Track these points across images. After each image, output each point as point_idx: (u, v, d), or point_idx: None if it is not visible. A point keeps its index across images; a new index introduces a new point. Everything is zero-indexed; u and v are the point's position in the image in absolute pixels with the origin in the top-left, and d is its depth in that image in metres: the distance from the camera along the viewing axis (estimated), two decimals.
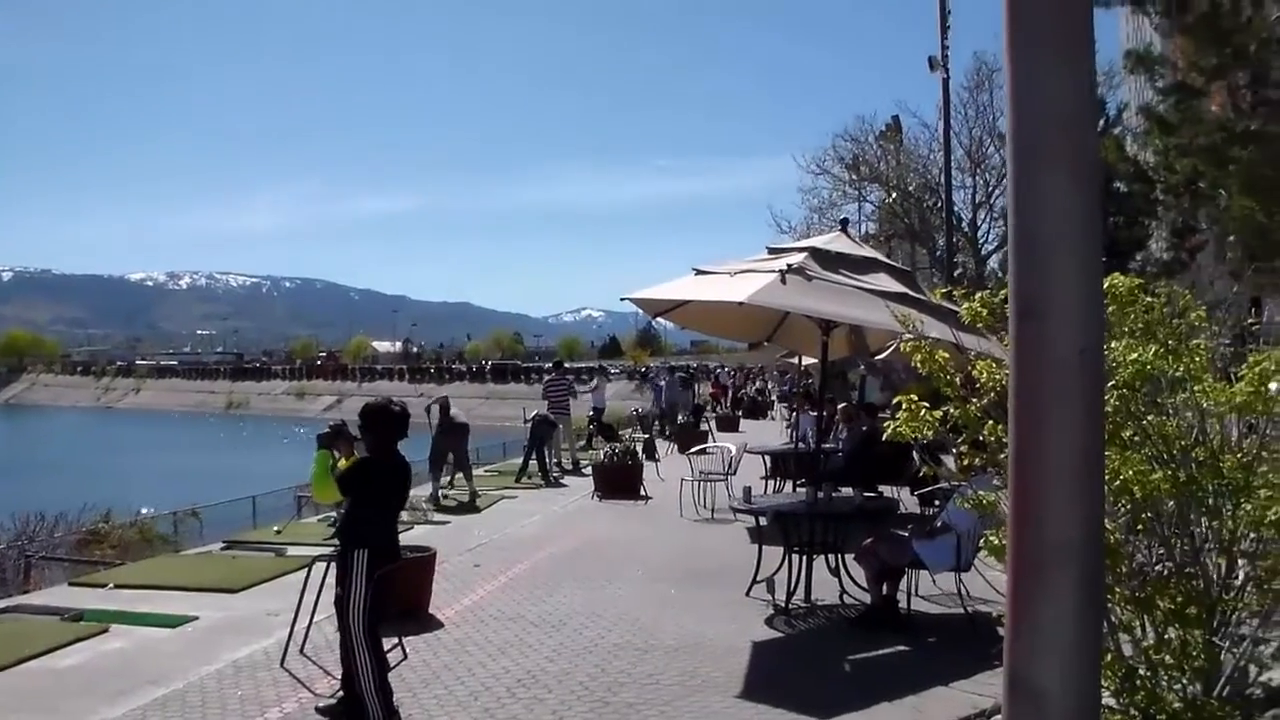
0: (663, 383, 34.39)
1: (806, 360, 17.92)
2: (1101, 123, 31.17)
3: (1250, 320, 6.73)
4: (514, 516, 15.98)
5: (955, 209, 35.32)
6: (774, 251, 10.67)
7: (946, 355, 5.73)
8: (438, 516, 15.69)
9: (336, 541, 7.25)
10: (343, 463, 7.09)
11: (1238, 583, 4.92)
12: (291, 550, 12.46)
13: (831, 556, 9.90)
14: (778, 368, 46.40)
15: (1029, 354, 2.69)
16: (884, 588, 9.13)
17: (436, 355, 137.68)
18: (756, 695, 7.16)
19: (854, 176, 41.58)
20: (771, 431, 29.78)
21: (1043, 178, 2.65)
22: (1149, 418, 5.01)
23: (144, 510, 18.32)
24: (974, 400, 5.35)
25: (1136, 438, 4.97)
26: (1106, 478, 4.40)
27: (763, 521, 10.30)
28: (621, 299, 10.93)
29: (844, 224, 12.89)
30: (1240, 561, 4.93)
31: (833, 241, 10.78)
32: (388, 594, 6.92)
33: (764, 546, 10.03)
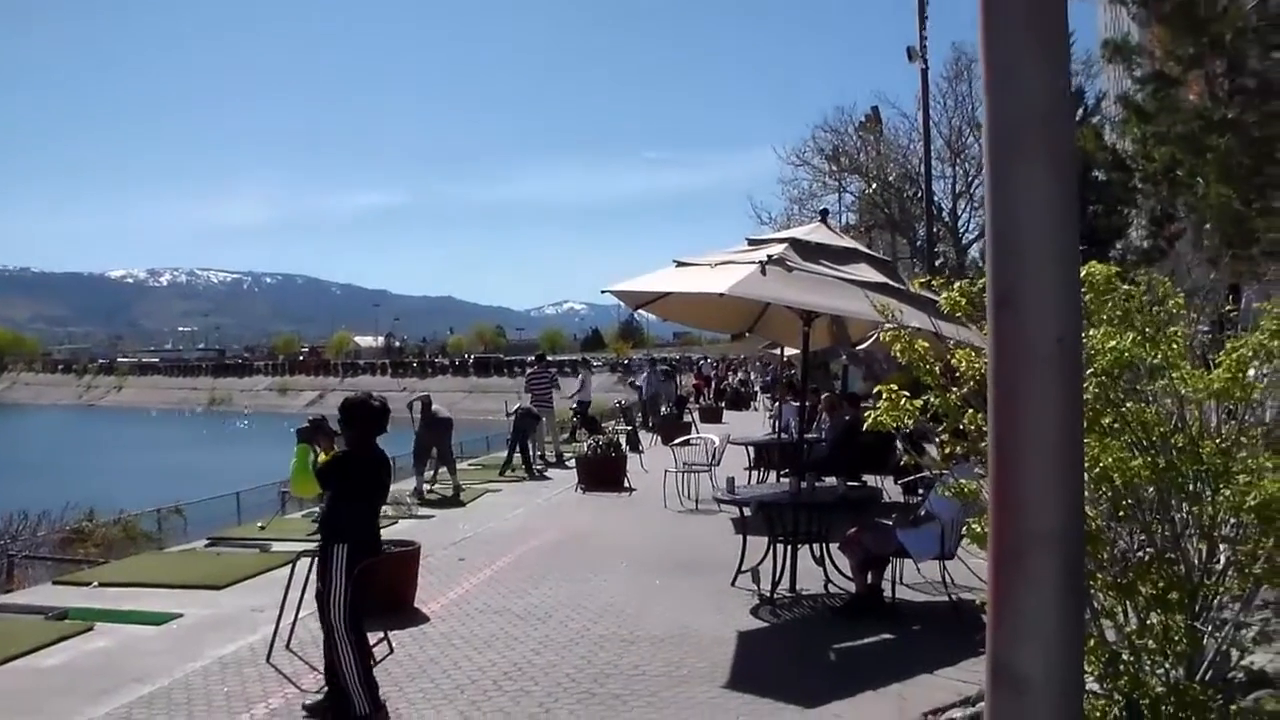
0: (641, 383, 34.25)
1: (789, 351, 17.94)
2: (1080, 112, 31.28)
3: (1228, 307, 6.77)
4: (498, 510, 15.99)
5: (935, 199, 35.38)
6: (754, 243, 10.69)
7: (926, 344, 5.75)
8: (422, 511, 15.70)
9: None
10: (322, 457, 7.08)
11: (1219, 568, 4.95)
12: (276, 546, 12.44)
13: (816, 546, 9.93)
14: (760, 359, 46.48)
15: (1007, 343, 2.70)
16: (868, 576, 9.17)
17: (419, 350, 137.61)
18: (742, 685, 7.19)
19: (834, 167, 41.57)
20: (755, 422, 29.79)
21: (1019, 169, 2.66)
22: (1128, 405, 5.04)
23: (124, 511, 18.23)
24: (954, 389, 5.37)
25: (1116, 425, 4.99)
26: (1087, 465, 4.43)
27: (747, 512, 10.32)
28: (602, 291, 10.96)
29: (824, 215, 12.89)
30: (1221, 546, 4.96)
31: (812, 232, 10.82)
32: (369, 588, 6.94)
33: (748, 537, 10.06)
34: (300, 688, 7.19)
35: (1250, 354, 5.04)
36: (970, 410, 5.22)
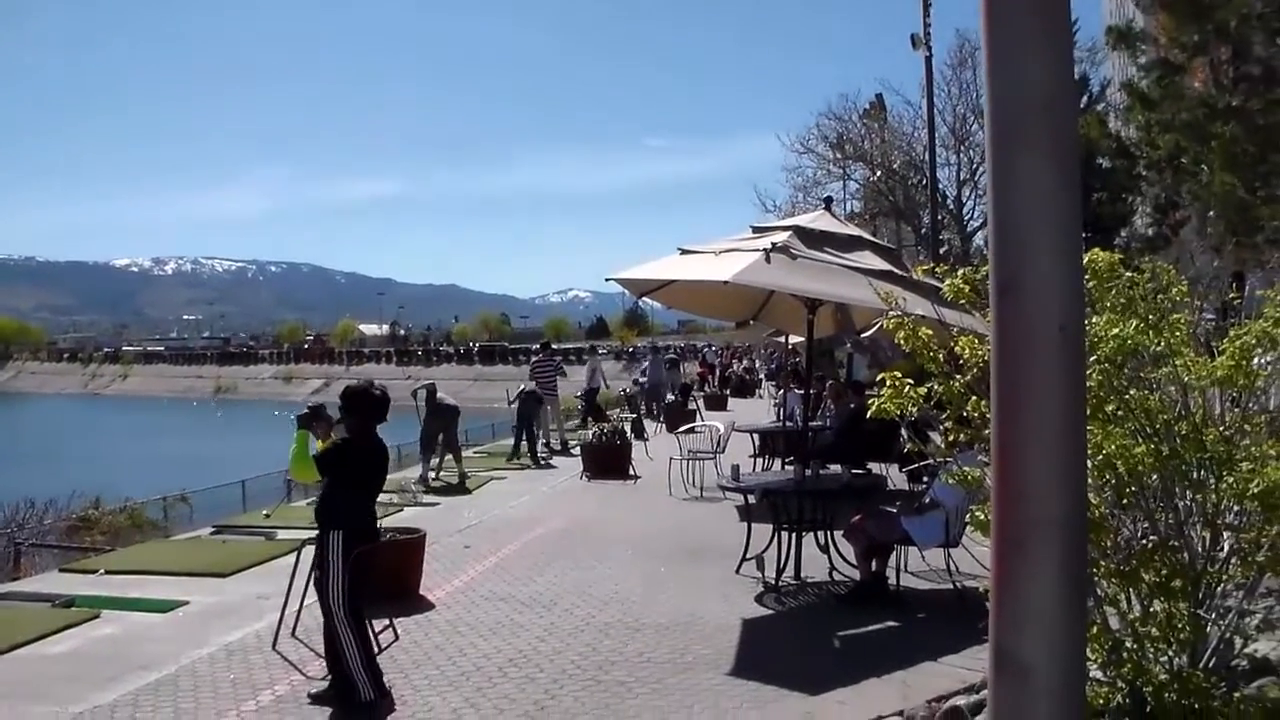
0: (643, 377, 34.14)
1: (794, 339, 17.93)
2: (1085, 99, 31.23)
3: (1232, 295, 6.76)
4: (504, 498, 16.00)
5: (940, 186, 35.36)
6: (758, 230, 10.68)
7: (930, 332, 5.75)
8: (428, 498, 15.69)
9: None
10: (319, 443, 7.11)
11: (1222, 555, 4.96)
12: (281, 534, 12.46)
13: (820, 533, 9.93)
14: (765, 346, 46.44)
15: (1010, 330, 2.71)
16: (873, 564, 9.17)
17: (424, 338, 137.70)
18: (747, 672, 7.20)
19: (838, 155, 41.42)
20: (759, 410, 29.80)
21: (1021, 158, 2.67)
22: (1131, 392, 5.05)
23: (130, 499, 18.26)
24: (957, 376, 5.38)
25: (1120, 412, 5.00)
26: (1090, 452, 4.43)
27: (751, 499, 10.34)
28: (607, 279, 10.95)
29: (828, 202, 12.88)
30: (1224, 534, 4.97)
31: (817, 220, 10.80)
32: (368, 574, 6.97)
33: (753, 524, 10.07)
34: (306, 675, 7.20)
35: (1254, 341, 5.04)
36: (974, 398, 5.23)
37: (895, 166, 39.85)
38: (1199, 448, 4.86)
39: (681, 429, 18.20)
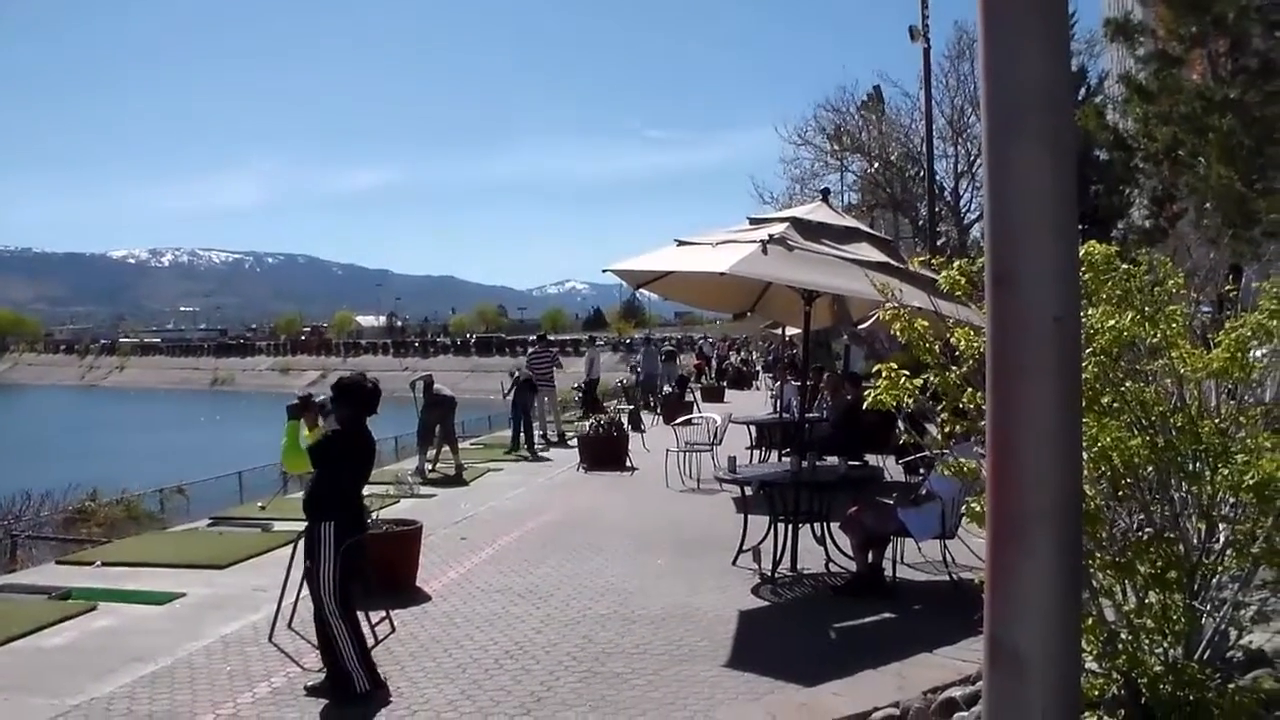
0: (638, 367, 34.08)
1: (790, 330, 17.92)
2: (1082, 91, 31.22)
3: (1228, 287, 6.76)
4: (500, 489, 16.00)
5: (937, 178, 35.28)
6: (755, 222, 10.67)
7: (926, 324, 5.74)
8: (424, 490, 15.68)
9: None
10: (306, 433, 7.12)
11: (1217, 547, 4.96)
12: (278, 525, 12.44)
13: (817, 525, 9.94)
14: (762, 338, 46.45)
15: (1005, 321, 2.71)
16: (869, 556, 9.18)
17: (421, 329, 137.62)
18: (743, 664, 7.21)
19: (836, 147, 41.35)
20: (756, 401, 29.81)
21: (1017, 151, 2.67)
22: (1127, 384, 5.05)
23: (126, 491, 18.25)
24: (953, 368, 5.37)
25: (1115, 404, 5.00)
26: (1085, 444, 4.44)
27: (748, 491, 10.34)
28: (604, 270, 10.95)
29: (825, 194, 12.87)
30: (1220, 526, 4.97)
31: (814, 211, 10.79)
32: (358, 565, 6.98)
33: (750, 516, 10.08)
34: (302, 666, 7.21)
35: (1250, 334, 5.04)
36: (970, 389, 5.22)
37: (893, 158, 39.80)
38: (1194, 440, 4.86)
39: (678, 420, 18.20)
